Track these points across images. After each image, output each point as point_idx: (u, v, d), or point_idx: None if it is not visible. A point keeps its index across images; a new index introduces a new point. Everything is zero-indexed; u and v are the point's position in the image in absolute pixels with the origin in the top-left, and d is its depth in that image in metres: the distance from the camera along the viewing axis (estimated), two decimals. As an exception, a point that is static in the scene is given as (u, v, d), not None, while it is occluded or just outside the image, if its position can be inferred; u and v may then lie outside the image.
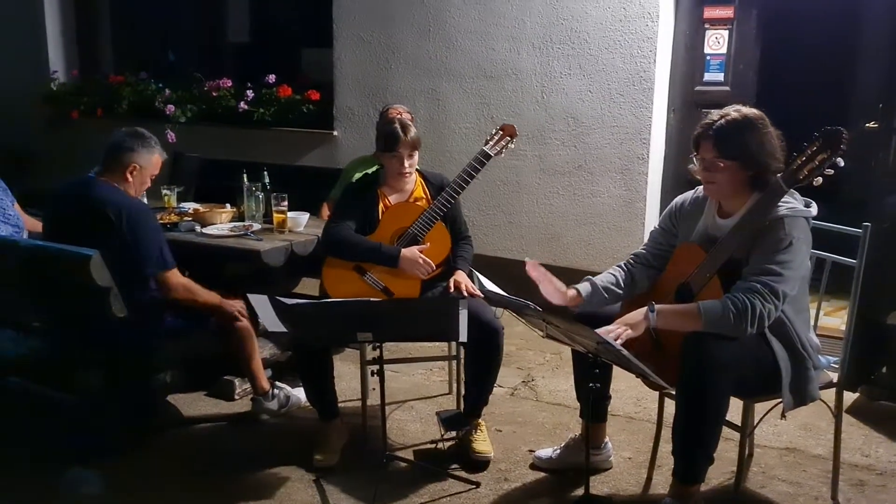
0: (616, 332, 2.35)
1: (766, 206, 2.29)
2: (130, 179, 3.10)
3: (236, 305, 3.18)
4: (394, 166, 3.09)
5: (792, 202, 2.35)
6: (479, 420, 3.07)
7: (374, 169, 3.31)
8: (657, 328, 2.42)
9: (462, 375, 3.36)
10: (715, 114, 2.42)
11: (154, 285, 3.06)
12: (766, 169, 2.35)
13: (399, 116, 3.53)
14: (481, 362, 2.98)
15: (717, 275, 2.39)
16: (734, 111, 2.39)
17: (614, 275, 2.68)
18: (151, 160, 3.14)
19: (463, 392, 3.29)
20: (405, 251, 3.02)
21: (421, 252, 3.03)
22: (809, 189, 2.30)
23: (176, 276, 3.05)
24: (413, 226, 3.09)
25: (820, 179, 2.19)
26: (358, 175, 3.87)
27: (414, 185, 3.20)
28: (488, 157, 3.17)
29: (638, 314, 2.39)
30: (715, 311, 2.29)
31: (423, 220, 3.09)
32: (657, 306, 2.36)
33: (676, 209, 2.67)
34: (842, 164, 2.16)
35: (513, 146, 3.25)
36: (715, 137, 2.37)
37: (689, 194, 2.66)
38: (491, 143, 3.21)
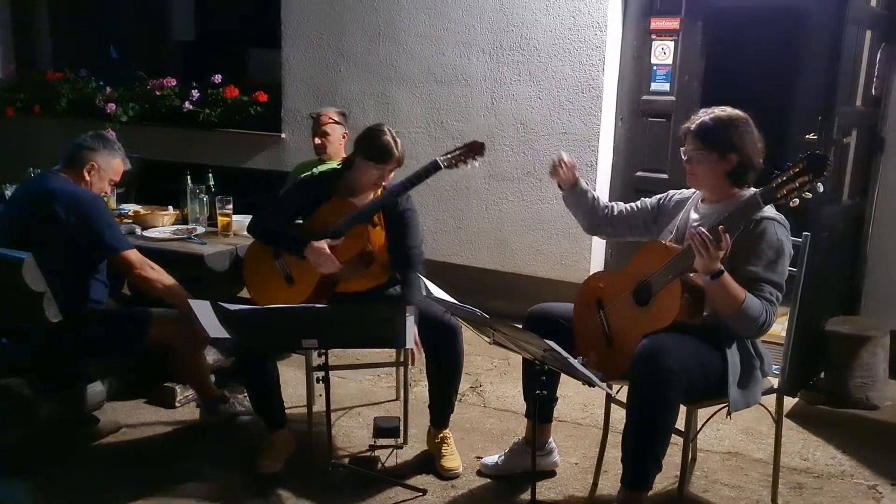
0: (696, 233, 2.29)
1: (738, 219, 2.32)
2: (87, 178, 3.03)
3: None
4: (372, 176, 3.00)
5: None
6: (447, 431, 3.03)
7: (336, 165, 3.22)
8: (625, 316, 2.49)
9: (410, 382, 3.34)
10: (702, 112, 2.54)
11: (106, 276, 3.04)
12: (743, 164, 2.47)
13: (386, 130, 3.13)
14: (443, 366, 2.94)
15: (679, 279, 2.41)
16: (720, 110, 2.53)
17: (602, 202, 2.83)
18: (112, 163, 3.08)
19: (412, 398, 3.27)
20: (313, 243, 2.94)
21: (331, 246, 2.96)
22: (782, 208, 2.37)
23: (136, 254, 3.00)
24: (339, 222, 3.01)
25: (797, 201, 2.22)
26: (319, 169, 3.82)
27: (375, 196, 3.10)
28: (437, 168, 3.04)
29: (714, 263, 2.27)
30: (754, 309, 2.34)
31: (350, 217, 3.01)
32: (725, 274, 2.30)
33: (666, 197, 2.76)
34: (822, 189, 2.19)
35: (477, 164, 3.14)
36: (697, 131, 2.50)
37: (686, 190, 2.74)
38: (448, 154, 3.09)
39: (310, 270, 2.99)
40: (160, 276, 3.02)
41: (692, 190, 2.69)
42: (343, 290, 3.08)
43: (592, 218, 2.84)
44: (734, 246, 2.36)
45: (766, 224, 2.40)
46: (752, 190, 2.51)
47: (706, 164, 2.49)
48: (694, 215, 2.59)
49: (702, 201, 2.61)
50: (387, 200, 3.03)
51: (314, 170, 4.23)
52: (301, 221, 3.14)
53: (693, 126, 2.52)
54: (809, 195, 2.20)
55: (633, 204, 2.82)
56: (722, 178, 2.50)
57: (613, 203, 2.85)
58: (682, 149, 2.58)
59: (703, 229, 2.27)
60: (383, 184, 3.06)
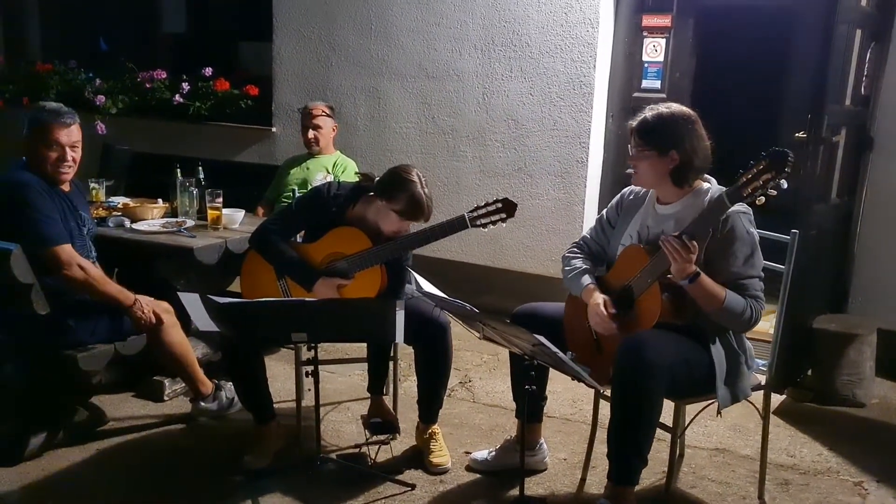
0: (667, 241, 2.30)
1: (708, 221, 2.33)
2: (28, 158, 2.96)
3: (146, 310, 3.01)
4: (393, 225, 2.85)
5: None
6: (436, 427, 3.02)
7: (353, 183, 3.03)
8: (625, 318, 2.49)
9: (399, 377, 3.34)
10: (647, 109, 2.52)
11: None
12: (684, 164, 2.44)
13: (418, 179, 2.84)
14: (431, 362, 2.93)
15: (658, 282, 2.42)
16: (664, 107, 2.50)
17: (586, 265, 2.72)
18: (37, 130, 2.93)
19: (401, 392, 3.27)
20: (322, 281, 2.84)
21: (340, 287, 2.85)
22: (750, 206, 2.36)
23: (66, 252, 2.87)
24: (349, 258, 2.88)
25: (763, 199, 2.22)
26: (338, 178, 3.78)
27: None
28: (464, 226, 2.85)
29: (688, 267, 2.31)
30: (736, 306, 2.37)
31: (361, 258, 2.86)
32: (702, 275, 2.34)
33: (623, 198, 2.74)
34: (785, 185, 2.19)
35: (504, 225, 2.90)
36: (637, 128, 2.49)
37: (633, 187, 2.72)
38: (479, 211, 2.86)
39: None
40: (95, 278, 2.93)
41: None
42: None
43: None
44: (709, 248, 2.38)
45: (733, 220, 2.39)
46: (708, 186, 2.51)
47: (647, 161, 2.47)
48: (650, 220, 2.58)
49: (658, 202, 2.59)
50: (404, 248, 2.88)
51: (306, 165, 4.22)
52: (304, 237, 3.06)
53: (635, 123, 2.50)
54: (774, 192, 2.20)
55: (596, 232, 2.79)
56: (664, 177, 2.48)
57: (585, 243, 2.80)
58: (628, 146, 2.56)
59: (673, 238, 2.29)
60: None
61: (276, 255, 2.93)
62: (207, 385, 3.25)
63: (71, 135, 2.97)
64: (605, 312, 2.53)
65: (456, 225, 2.85)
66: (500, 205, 2.86)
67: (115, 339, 3.03)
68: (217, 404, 3.26)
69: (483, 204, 2.87)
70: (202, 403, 3.25)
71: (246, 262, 3.08)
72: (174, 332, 3.12)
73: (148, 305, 3.03)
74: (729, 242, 2.39)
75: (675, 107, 2.50)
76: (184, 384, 3.33)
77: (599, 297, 2.58)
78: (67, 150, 2.95)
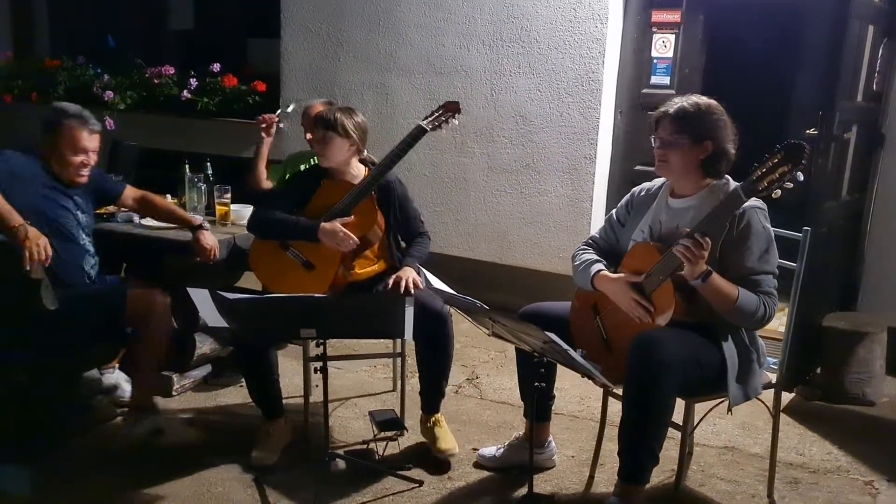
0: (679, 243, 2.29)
1: (723, 215, 2.31)
2: (46, 155, 2.98)
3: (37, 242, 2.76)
4: (336, 148, 3.04)
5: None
6: (439, 415, 3.03)
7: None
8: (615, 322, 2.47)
9: (406, 373, 3.34)
10: (676, 98, 2.52)
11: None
12: (717, 153, 2.45)
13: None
14: (432, 353, 2.94)
15: (671, 279, 2.40)
16: (695, 97, 2.51)
17: (597, 257, 2.70)
18: (64, 133, 2.94)
19: (408, 389, 3.27)
20: (324, 224, 2.96)
21: (343, 224, 2.97)
22: (766, 200, 2.34)
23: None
24: (341, 201, 3.02)
25: (779, 192, 2.20)
26: (305, 166, 3.82)
27: (362, 176, 3.12)
28: (423, 131, 3.09)
29: (699, 268, 2.30)
30: (749, 305, 2.35)
31: (351, 196, 3.01)
32: (714, 274, 2.32)
33: (634, 196, 2.73)
34: (801, 178, 2.17)
35: (456, 122, 3.18)
36: (673, 116, 2.48)
37: (647, 184, 2.72)
38: (429, 118, 3.14)
39: (326, 252, 2.99)
40: None
41: (659, 180, 2.66)
42: (348, 279, 3.08)
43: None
44: (724, 243, 2.37)
45: (749, 215, 2.38)
46: (723, 180, 2.50)
47: (680, 149, 2.46)
48: (663, 215, 2.57)
49: (671, 195, 2.59)
50: (382, 171, 3.03)
51: (314, 161, 4.20)
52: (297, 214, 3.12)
53: (671, 110, 2.49)
54: (790, 185, 2.18)
55: (606, 231, 2.78)
56: (695, 167, 2.47)
57: (596, 240, 2.79)
58: (652, 136, 2.54)
59: (684, 237, 2.27)
60: (366, 157, 3.14)
61: (277, 226, 3.03)
62: (152, 401, 3.12)
63: (96, 140, 3.04)
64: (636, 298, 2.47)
65: (416, 134, 3.09)
66: (442, 109, 3.16)
67: (109, 324, 2.99)
68: (149, 425, 3.06)
69: (430, 112, 3.17)
70: (141, 419, 3.04)
71: (252, 257, 3.13)
72: (162, 323, 3.02)
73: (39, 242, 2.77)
74: (744, 237, 2.38)
75: (707, 98, 2.51)
76: (192, 380, 3.32)
77: (620, 278, 2.53)
78: (91, 154, 3.02)
